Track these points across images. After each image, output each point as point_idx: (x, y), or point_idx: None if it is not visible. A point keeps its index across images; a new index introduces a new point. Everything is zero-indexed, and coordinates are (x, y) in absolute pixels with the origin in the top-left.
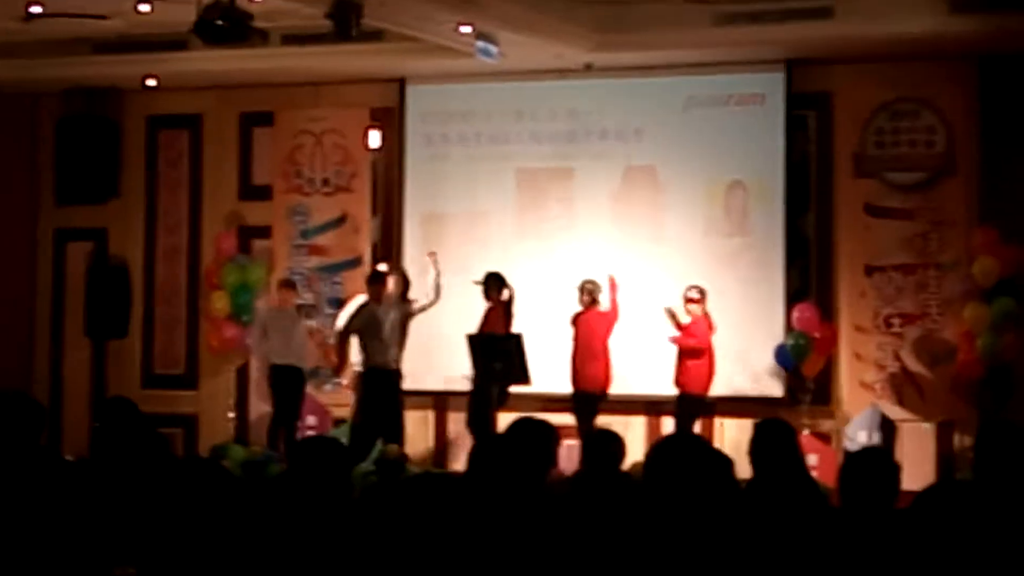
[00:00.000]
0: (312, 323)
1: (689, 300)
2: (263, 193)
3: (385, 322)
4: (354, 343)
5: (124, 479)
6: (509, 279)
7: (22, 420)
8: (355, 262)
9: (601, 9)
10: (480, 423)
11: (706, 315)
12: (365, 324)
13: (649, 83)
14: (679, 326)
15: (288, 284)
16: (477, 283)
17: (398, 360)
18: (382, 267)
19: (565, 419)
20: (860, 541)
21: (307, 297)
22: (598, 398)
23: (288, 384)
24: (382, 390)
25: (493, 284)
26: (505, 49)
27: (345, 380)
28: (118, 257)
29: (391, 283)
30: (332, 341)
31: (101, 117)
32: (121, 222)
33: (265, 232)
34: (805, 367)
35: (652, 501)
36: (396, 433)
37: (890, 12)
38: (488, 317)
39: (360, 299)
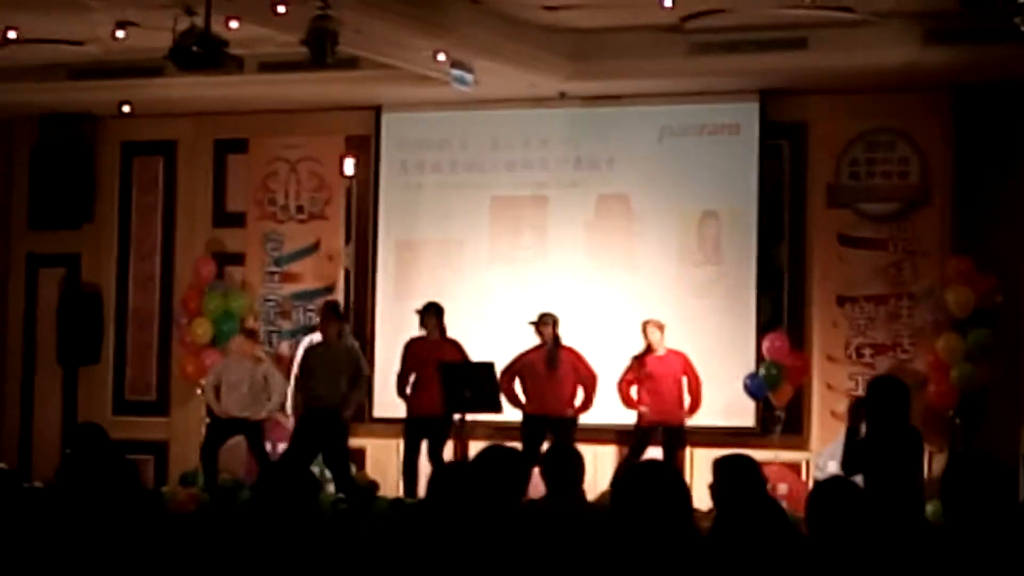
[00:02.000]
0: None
1: (657, 328)
2: (237, 220)
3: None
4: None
5: (91, 506)
6: (483, 307)
7: None
8: (329, 289)
9: (576, 38)
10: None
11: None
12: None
13: (623, 112)
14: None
15: (250, 334)
16: (418, 312)
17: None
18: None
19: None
20: (828, 570)
21: (282, 325)
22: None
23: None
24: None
25: (429, 313)
26: (480, 77)
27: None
28: (91, 283)
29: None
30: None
31: (76, 143)
32: (94, 248)
33: (239, 259)
34: (776, 396)
35: (617, 529)
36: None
37: (864, 44)
38: (414, 346)
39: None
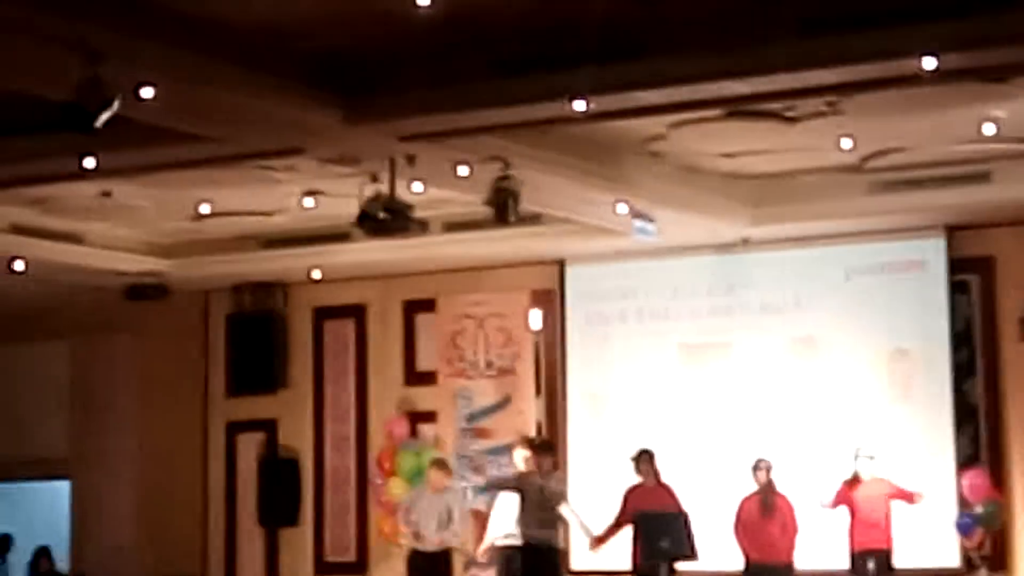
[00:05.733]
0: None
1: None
2: (428, 378)
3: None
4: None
5: None
6: (676, 455)
7: None
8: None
9: (756, 183)
10: None
11: None
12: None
13: (806, 254)
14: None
15: (441, 464)
16: (632, 459)
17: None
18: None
19: None
20: None
21: (476, 480)
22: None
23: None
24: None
25: (644, 459)
26: (661, 226)
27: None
28: (288, 447)
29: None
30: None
31: (269, 310)
32: (290, 412)
33: (431, 417)
34: (974, 536)
35: None
36: None
37: None
38: (634, 493)
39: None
